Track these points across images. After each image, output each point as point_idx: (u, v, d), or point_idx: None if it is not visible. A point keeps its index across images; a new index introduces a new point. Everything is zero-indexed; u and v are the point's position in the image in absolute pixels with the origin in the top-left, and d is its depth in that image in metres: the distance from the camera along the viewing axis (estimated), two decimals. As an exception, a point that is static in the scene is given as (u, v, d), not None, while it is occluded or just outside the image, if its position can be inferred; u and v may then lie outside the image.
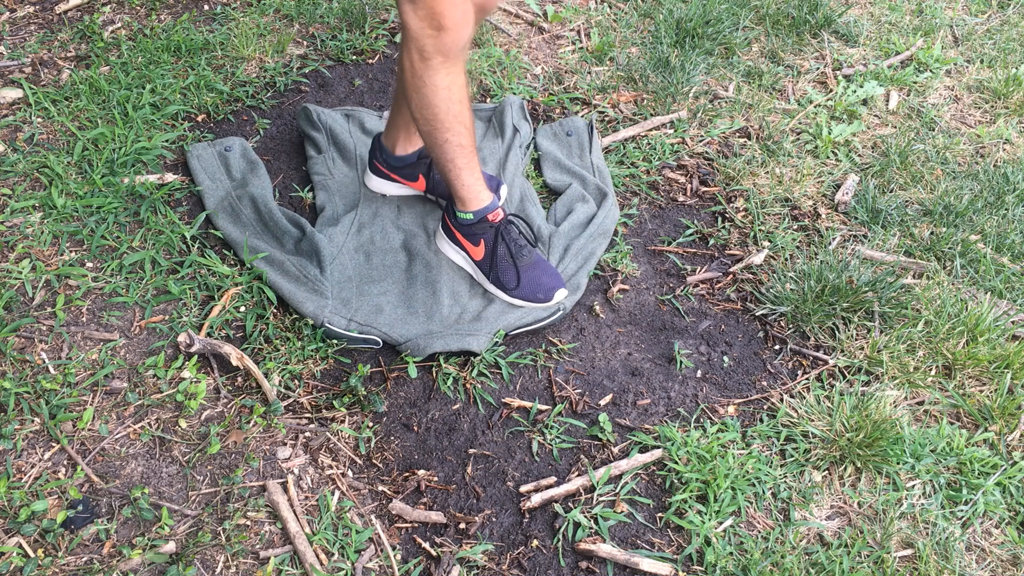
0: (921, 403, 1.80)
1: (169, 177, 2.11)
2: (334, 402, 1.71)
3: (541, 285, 1.85)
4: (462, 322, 1.84)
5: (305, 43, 2.63)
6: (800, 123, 2.52)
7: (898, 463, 1.67)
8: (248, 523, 1.52)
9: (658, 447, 1.69)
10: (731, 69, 2.70)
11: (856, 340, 1.91)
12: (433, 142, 1.73)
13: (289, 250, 1.93)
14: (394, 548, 1.52)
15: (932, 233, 2.18)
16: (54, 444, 1.58)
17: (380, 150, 2.05)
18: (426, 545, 1.53)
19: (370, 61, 2.60)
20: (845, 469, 1.67)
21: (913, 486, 1.65)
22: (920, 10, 3.13)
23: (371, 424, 1.70)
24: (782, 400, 1.80)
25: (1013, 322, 1.95)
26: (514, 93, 2.51)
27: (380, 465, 1.65)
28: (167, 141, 2.20)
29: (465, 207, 1.84)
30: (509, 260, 1.85)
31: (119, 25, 2.59)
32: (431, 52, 1.56)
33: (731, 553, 1.53)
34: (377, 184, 2.11)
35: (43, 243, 1.91)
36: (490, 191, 1.88)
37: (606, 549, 1.52)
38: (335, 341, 1.79)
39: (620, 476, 1.64)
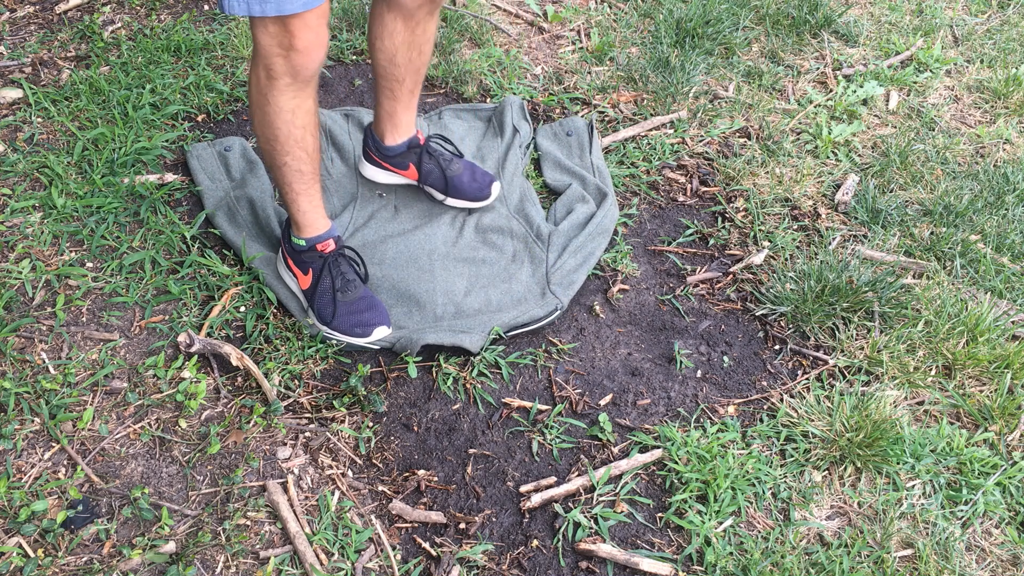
0: (921, 403, 1.80)
1: (169, 177, 2.11)
2: (334, 402, 1.71)
3: (361, 321, 1.77)
4: (456, 317, 1.84)
5: (305, 43, 2.62)
6: (800, 123, 2.52)
7: (898, 463, 1.67)
8: (248, 523, 1.52)
9: (658, 447, 1.69)
10: (731, 69, 2.70)
11: (856, 340, 1.91)
12: (271, 163, 1.68)
13: None
14: (394, 548, 1.52)
15: (932, 233, 2.18)
16: (54, 444, 1.58)
17: (372, 138, 2.06)
18: (426, 545, 1.53)
19: (370, 61, 2.60)
20: (845, 469, 1.67)
21: (913, 486, 1.65)
22: (920, 10, 3.13)
23: (371, 424, 1.70)
24: (782, 400, 1.80)
25: (1013, 322, 1.95)
26: (514, 93, 2.51)
27: (380, 465, 1.65)
28: (167, 141, 2.20)
29: (299, 233, 1.78)
30: (330, 294, 1.77)
31: (119, 25, 2.59)
32: (279, 72, 1.49)
33: (731, 553, 1.53)
34: (371, 172, 2.12)
35: (43, 243, 1.91)
36: (328, 221, 1.81)
37: (606, 549, 1.52)
38: (334, 341, 1.79)
39: (620, 476, 1.64)
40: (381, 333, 1.78)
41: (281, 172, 1.68)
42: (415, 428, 1.71)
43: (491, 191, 2.08)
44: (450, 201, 2.09)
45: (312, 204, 1.75)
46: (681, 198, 2.26)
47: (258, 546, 1.49)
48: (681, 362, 1.86)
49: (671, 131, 2.44)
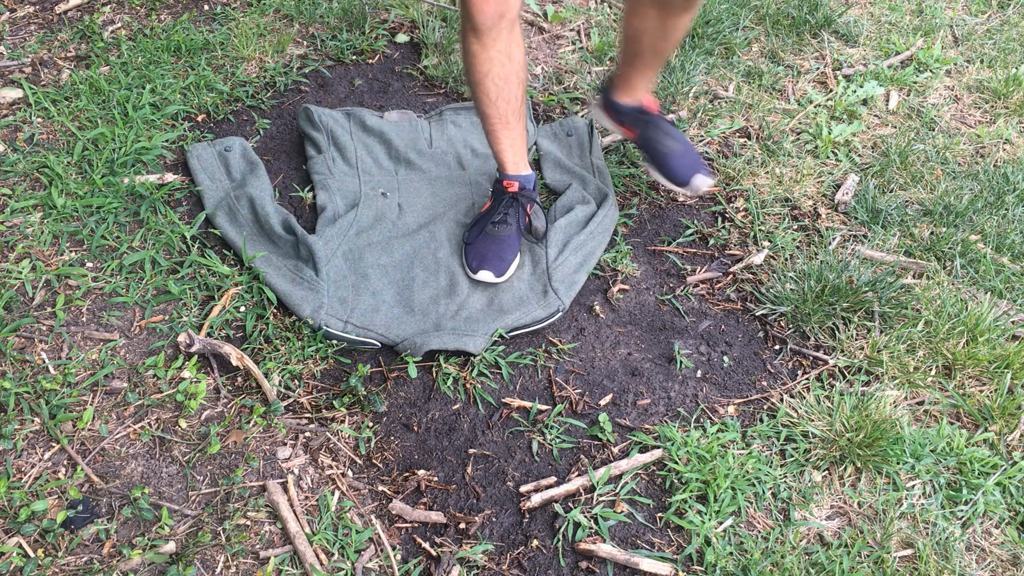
0: (921, 403, 1.80)
1: (169, 177, 2.11)
2: (334, 402, 1.71)
3: (479, 254, 1.93)
4: (458, 319, 1.84)
5: (305, 43, 2.63)
6: (800, 123, 2.52)
7: (898, 463, 1.67)
8: (248, 523, 1.52)
9: (658, 447, 1.69)
10: (731, 69, 2.70)
11: (856, 340, 1.91)
12: (477, 107, 1.90)
13: (285, 252, 1.93)
14: (394, 548, 1.52)
15: (932, 233, 2.18)
16: (54, 444, 1.58)
17: (609, 88, 2.14)
18: (426, 545, 1.53)
19: (370, 61, 2.60)
20: (845, 469, 1.67)
21: (913, 486, 1.65)
22: (920, 10, 3.13)
23: (371, 424, 1.70)
24: (782, 400, 1.80)
25: (1013, 322, 1.95)
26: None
27: (380, 465, 1.65)
28: (167, 141, 2.20)
29: (500, 168, 1.99)
30: (484, 222, 1.97)
31: (119, 25, 2.59)
32: (464, 20, 1.72)
33: (731, 553, 1.53)
34: (597, 115, 2.23)
35: (43, 243, 1.91)
36: (518, 166, 1.98)
37: (606, 549, 1.52)
38: (334, 341, 1.79)
39: (620, 476, 1.64)
40: (485, 276, 1.91)
41: (482, 117, 1.91)
42: (415, 428, 1.71)
43: (696, 182, 2.08)
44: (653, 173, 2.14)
45: (500, 147, 1.94)
46: (681, 198, 2.26)
47: (258, 546, 1.49)
48: (681, 362, 1.86)
49: (671, 131, 2.44)
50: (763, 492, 1.62)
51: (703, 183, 2.06)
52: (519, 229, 1.98)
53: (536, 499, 1.59)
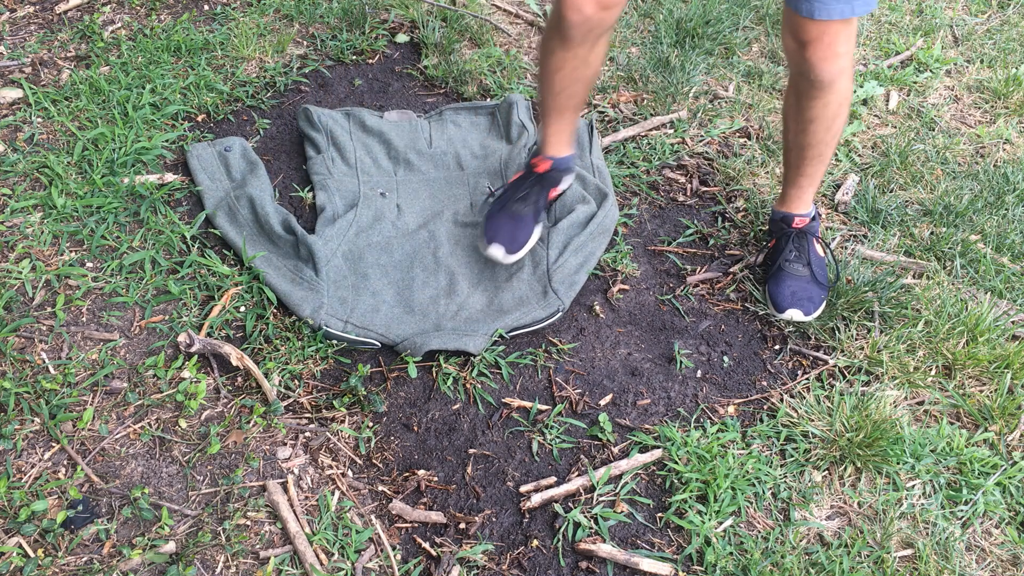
0: (921, 403, 1.80)
1: (169, 177, 2.11)
2: (334, 402, 1.71)
3: (492, 228, 1.95)
4: (458, 319, 1.84)
5: (305, 43, 2.63)
6: (800, 123, 2.52)
7: (898, 463, 1.67)
8: (248, 523, 1.52)
9: (658, 447, 1.69)
10: (731, 69, 2.70)
11: (856, 340, 1.91)
12: (538, 90, 1.98)
13: (285, 252, 1.93)
14: (394, 548, 1.52)
15: (932, 233, 2.18)
16: (54, 444, 1.58)
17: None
18: (426, 545, 1.53)
19: (370, 61, 2.60)
20: (845, 469, 1.67)
21: (913, 486, 1.65)
22: (920, 10, 3.13)
23: (371, 424, 1.70)
24: (782, 400, 1.80)
25: (1013, 322, 1.95)
26: (514, 92, 2.51)
27: (380, 465, 1.65)
28: (167, 141, 2.20)
29: (539, 146, 2.03)
30: (507, 196, 1.99)
31: (119, 25, 2.59)
32: (552, 28, 1.75)
33: (731, 553, 1.53)
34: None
35: (43, 243, 1.91)
36: (561, 148, 2.01)
37: (606, 549, 1.52)
38: (334, 342, 1.79)
39: (620, 476, 1.64)
40: (495, 252, 1.92)
41: (540, 100, 1.96)
42: (415, 428, 1.71)
43: (788, 313, 1.93)
44: None
45: (547, 129, 1.98)
46: (681, 198, 2.26)
47: (258, 546, 1.49)
48: (681, 362, 1.86)
49: (671, 131, 2.44)
50: (763, 492, 1.62)
51: (794, 316, 1.93)
52: (536, 212, 1.99)
53: (536, 499, 1.59)
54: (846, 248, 2.13)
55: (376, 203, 2.10)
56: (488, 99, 2.51)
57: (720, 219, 2.21)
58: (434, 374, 1.79)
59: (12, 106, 2.27)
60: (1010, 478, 1.67)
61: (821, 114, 1.77)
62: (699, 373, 1.85)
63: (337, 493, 1.59)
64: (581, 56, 1.77)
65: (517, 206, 1.97)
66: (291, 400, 1.71)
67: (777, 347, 1.92)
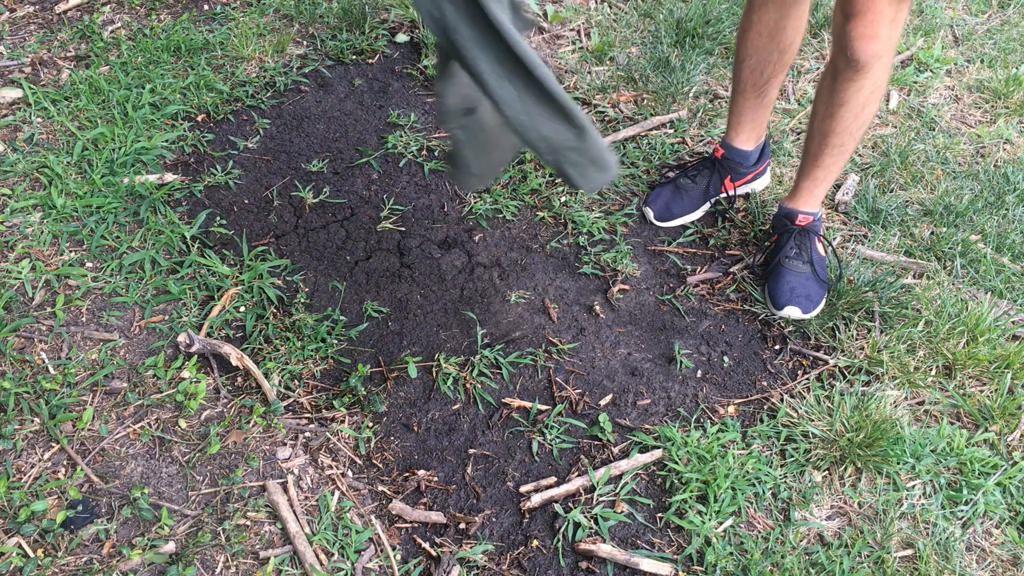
0: (921, 403, 1.80)
1: (169, 177, 2.11)
2: (334, 402, 1.71)
3: (655, 196, 2.18)
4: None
5: (305, 43, 2.63)
6: (800, 123, 2.52)
7: (898, 463, 1.67)
8: (248, 523, 1.52)
9: (658, 447, 1.69)
10: (731, 69, 2.70)
11: (856, 340, 1.91)
12: (734, 67, 2.05)
13: None
14: (394, 548, 1.52)
15: (932, 233, 2.18)
16: (54, 444, 1.58)
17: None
18: (426, 545, 1.53)
19: (370, 61, 2.60)
20: (845, 469, 1.67)
21: (913, 486, 1.65)
22: (920, 10, 3.13)
23: (371, 424, 1.70)
24: (782, 400, 1.80)
25: (1013, 322, 1.95)
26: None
27: (380, 465, 1.65)
28: (167, 141, 2.20)
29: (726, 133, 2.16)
30: (668, 177, 2.19)
31: (119, 25, 2.59)
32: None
33: (731, 553, 1.53)
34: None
35: (43, 243, 1.91)
36: (743, 138, 2.11)
37: (606, 549, 1.52)
38: (335, 341, 1.79)
39: (620, 476, 1.64)
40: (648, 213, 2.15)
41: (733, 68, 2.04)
42: (415, 428, 1.71)
43: (786, 311, 1.94)
44: None
45: (729, 115, 2.10)
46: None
47: (258, 546, 1.49)
48: (681, 362, 1.86)
49: (671, 131, 2.44)
50: (763, 492, 1.62)
51: (791, 313, 1.93)
52: (704, 194, 2.14)
53: (536, 499, 1.59)
54: (846, 248, 2.13)
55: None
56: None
57: (720, 219, 2.21)
58: (434, 374, 1.79)
59: (12, 106, 2.27)
60: (1010, 478, 1.67)
61: (853, 99, 1.75)
62: (699, 373, 1.85)
63: (337, 493, 1.59)
64: (767, 21, 1.82)
65: (684, 182, 2.13)
66: (291, 400, 1.71)
67: (777, 347, 1.92)
